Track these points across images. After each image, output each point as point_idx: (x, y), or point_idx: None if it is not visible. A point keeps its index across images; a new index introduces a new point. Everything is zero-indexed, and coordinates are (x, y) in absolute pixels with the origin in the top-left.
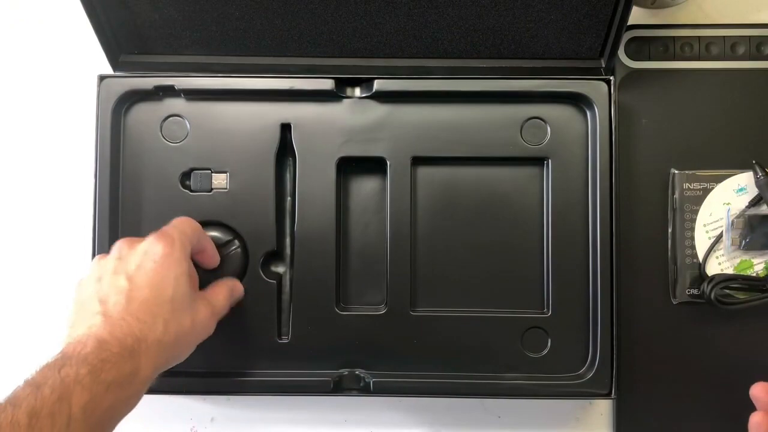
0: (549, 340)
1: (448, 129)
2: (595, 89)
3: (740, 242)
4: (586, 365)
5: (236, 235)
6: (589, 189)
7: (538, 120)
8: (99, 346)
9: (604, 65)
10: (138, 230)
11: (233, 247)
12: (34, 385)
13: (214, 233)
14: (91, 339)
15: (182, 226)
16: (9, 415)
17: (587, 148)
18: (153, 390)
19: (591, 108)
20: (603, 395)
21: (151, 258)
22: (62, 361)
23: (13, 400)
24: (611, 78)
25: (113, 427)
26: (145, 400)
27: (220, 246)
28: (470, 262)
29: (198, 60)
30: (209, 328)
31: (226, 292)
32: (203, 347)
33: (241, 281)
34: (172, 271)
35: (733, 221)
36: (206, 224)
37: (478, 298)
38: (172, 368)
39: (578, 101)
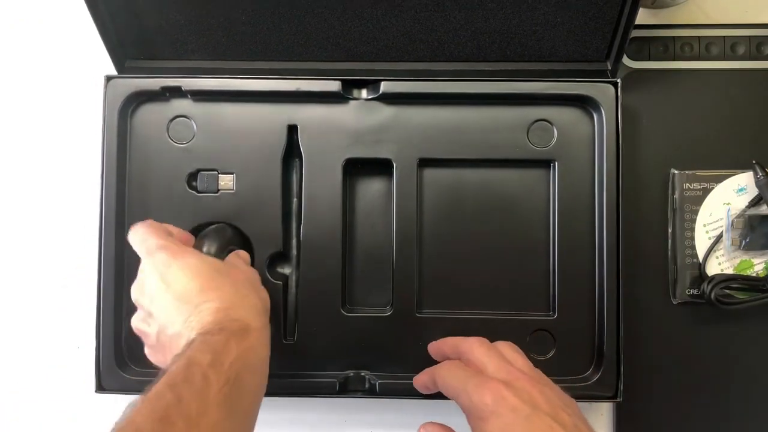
0: (555, 343)
1: (455, 131)
2: (601, 92)
3: (740, 242)
4: (592, 368)
5: (238, 237)
6: (596, 192)
7: (545, 122)
8: (200, 322)
9: (610, 68)
10: None
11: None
12: (163, 371)
13: (207, 244)
14: (188, 326)
15: (141, 232)
16: (152, 388)
17: (594, 150)
18: None
19: (598, 110)
20: (609, 398)
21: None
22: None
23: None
24: (618, 80)
25: (256, 376)
26: None
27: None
28: (476, 264)
29: (204, 65)
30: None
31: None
32: None
33: None
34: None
35: (733, 221)
36: (202, 228)
37: (484, 300)
38: None
39: (585, 104)
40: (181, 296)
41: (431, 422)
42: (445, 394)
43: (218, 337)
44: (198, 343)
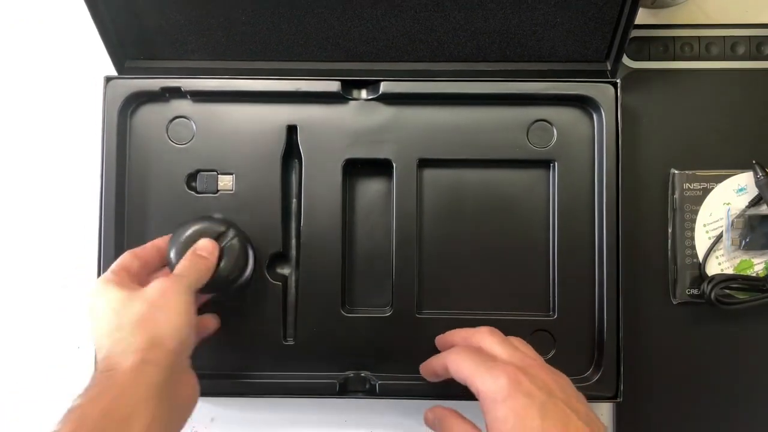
0: (555, 343)
1: (455, 131)
2: (601, 92)
3: (740, 242)
4: (592, 368)
5: (232, 225)
6: (596, 192)
7: (545, 123)
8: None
9: (609, 68)
10: (144, 231)
11: (229, 238)
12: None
13: (205, 224)
14: None
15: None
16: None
17: (594, 150)
18: None
19: (597, 111)
20: (609, 398)
21: None
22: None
23: None
24: (618, 81)
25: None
26: None
27: (215, 238)
28: (476, 265)
29: (204, 65)
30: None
31: (184, 259)
32: (208, 349)
33: (243, 274)
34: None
35: (733, 221)
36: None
37: (484, 300)
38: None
39: (585, 104)
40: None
41: (438, 406)
42: (456, 378)
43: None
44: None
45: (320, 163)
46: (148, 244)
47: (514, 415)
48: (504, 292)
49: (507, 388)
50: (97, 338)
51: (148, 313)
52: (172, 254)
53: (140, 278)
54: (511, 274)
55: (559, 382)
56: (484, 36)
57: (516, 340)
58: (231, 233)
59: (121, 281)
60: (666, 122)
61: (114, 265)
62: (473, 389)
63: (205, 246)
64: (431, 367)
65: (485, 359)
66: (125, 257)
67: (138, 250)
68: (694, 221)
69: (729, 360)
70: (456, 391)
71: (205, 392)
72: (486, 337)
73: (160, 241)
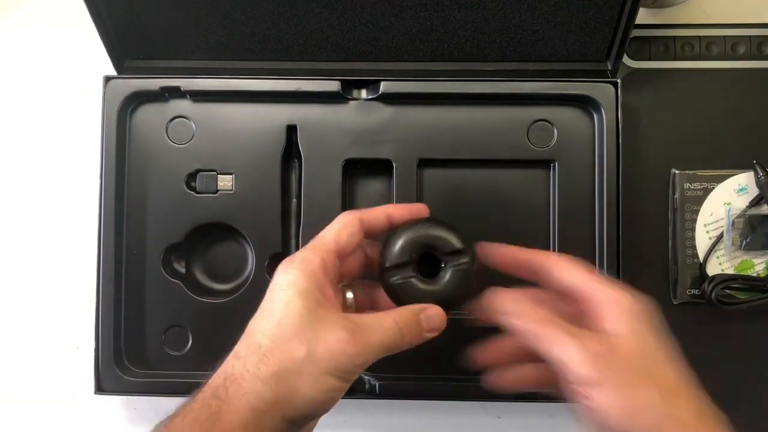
0: None
1: (455, 131)
2: (602, 92)
3: (741, 242)
4: None
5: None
6: (596, 192)
7: (545, 122)
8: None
9: (610, 68)
10: (143, 231)
11: (461, 261)
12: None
13: (440, 233)
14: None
15: (326, 235)
16: None
17: (594, 150)
18: (155, 392)
19: (598, 111)
20: None
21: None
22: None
23: None
24: (618, 80)
25: None
26: (145, 402)
27: (444, 255)
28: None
29: (203, 65)
30: (346, 358)
31: (401, 318)
32: (207, 350)
33: (453, 305)
34: (282, 294)
35: (733, 221)
36: (430, 222)
37: None
38: (174, 371)
39: (585, 104)
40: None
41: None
42: (558, 283)
43: (196, 406)
44: (188, 405)
45: (320, 163)
46: (379, 213)
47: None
48: None
49: (650, 309)
50: (236, 352)
51: (300, 368)
52: (394, 254)
53: (348, 250)
54: (512, 274)
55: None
56: (484, 36)
57: None
58: (465, 258)
59: (319, 288)
60: (666, 122)
61: (325, 247)
62: (585, 293)
63: (435, 323)
64: (515, 260)
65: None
66: (345, 233)
67: (365, 215)
68: (694, 221)
69: (729, 360)
70: (460, 391)
71: None
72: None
73: (396, 210)
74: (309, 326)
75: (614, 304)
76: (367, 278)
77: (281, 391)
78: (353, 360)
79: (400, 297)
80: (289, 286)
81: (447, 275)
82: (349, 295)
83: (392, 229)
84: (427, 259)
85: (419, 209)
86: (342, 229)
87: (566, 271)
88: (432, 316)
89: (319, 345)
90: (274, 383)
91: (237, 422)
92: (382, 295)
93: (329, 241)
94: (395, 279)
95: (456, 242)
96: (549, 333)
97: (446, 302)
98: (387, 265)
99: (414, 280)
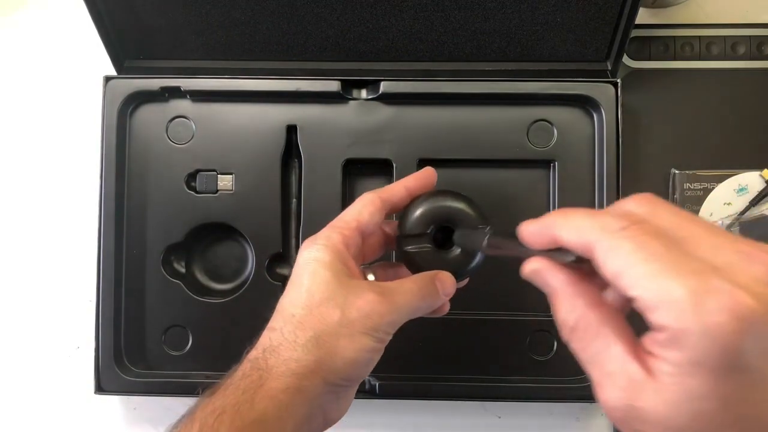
0: (555, 344)
1: (455, 131)
2: (602, 92)
3: None
4: None
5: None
6: (596, 192)
7: (545, 122)
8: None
9: (610, 68)
10: (143, 231)
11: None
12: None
13: (457, 207)
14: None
15: (347, 215)
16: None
17: (594, 150)
18: (155, 392)
19: (598, 110)
20: None
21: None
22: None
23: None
24: (618, 80)
25: None
26: (145, 402)
27: (459, 228)
28: None
29: (203, 65)
30: (379, 317)
31: (419, 282)
32: (207, 349)
33: (459, 274)
34: (308, 267)
35: (730, 231)
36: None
37: (485, 300)
38: (174, 371)
39: (585, 104)
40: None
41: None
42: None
43: (226, 392)
44: (229, 378)
45: (320, 162)
46: (399, 188)
47: (723, 399)
48: (504, 293)
49: (731, 333)
50: (276, 323)
51: (336, 330)
52: (411, 224)
53: (370, 227)
54: (512, 274)
55: None
56: (484, 36)
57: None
58: (486, 232)
59: (343, 261)
60: (666, 122)
61: (348, 226)
62: (631, 290)
63: (447, 287)
64: (550, 230)
65: (677, 258)
66: (367, 211)
67: (384, 193)
68: None
69: None
70: (459, 392)
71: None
72: (649, 211)
73: (412, 182)
74: (339, 291)
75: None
76: (388, 258)
77: (320, 354)
78: (384, 318)
79: (415, 265)
80: (314, 260)
81: (459, 249)
82: (371, 276)
83: (413, 200)
84: (444, 230)
85: (427, 174)
86: (363, 207)
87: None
88: (444, 279)
89: (351, 307)
90: (312, 347)
91: (279, 388)
92: (401, 275)
93: (350, 219)
94: (411, 247)
95: (470, 218)
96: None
97: (457, 273)
98: (404, 233)
99: (428, 250)
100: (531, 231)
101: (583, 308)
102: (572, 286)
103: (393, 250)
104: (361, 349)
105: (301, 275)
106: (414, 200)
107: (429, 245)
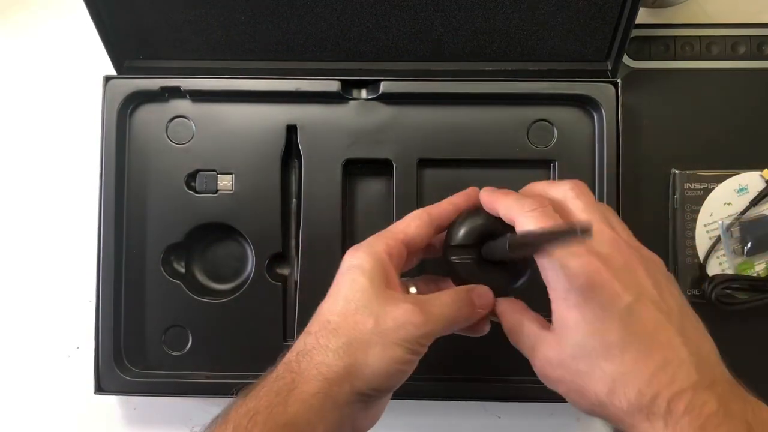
0: None
1: (455, 131)
2: (602, 92)
3: (742, 249)
4: None
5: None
6: (596, 192)
7: (545, 122)
8: (292, 348)
9: (610, 67)
10: (143, 232)
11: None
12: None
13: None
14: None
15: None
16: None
17: (594, 150)
18: (155, 392)
19: (598, 110)
20: None
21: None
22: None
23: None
24: (618, 80)
25: None
26: (145, 402)
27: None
28: None
29: (203, 65)
30: (413, 327)
31: (454, 295)
32: (208, 349)
33: (504, 289)
34: (348, 275)
35: (730, 231)
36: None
37: None
38: (174, 371)
39: (585, 104)
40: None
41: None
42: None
43: (270, 380)
44: (263, 380)
45: (320, 163)
46: (447, 205)
47: (585, 321)
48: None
49: (583, 290)
50: (312, 328)
51: (369, 338)
52: (459, 235)
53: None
54: None
55: (652, 273)
56: (484, 36)
57: (608, 210)
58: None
59: (383, 271)
60: (666, 122)
61: (393, 238)
62: (539, 265)
63: (485, 300)
64: (496, 207)
65: None
66: (412, 229)
67: (433, 209)
68: (694, 221)
69: (730, 360)
70: (460, 391)
71: (205, 393)
72: (570, 197)
73: (460, 199)
74: (375, 300)
75: (552, 287)
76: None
77: (351, 361)
78: (420, 329)
79: (457, 276)
80: (355, 267)
81: (506, 264)
82: (413, 289)
83: (463, 211)
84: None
85: (473, 192)
86: (411, 220)
87: (520, 226)
88: (482, 294)
89: (387, 316)
90: (343, 353)
91: (310, 391)
92: (443, 289)
93: (398, 231)
94: (455, 258)
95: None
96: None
97: (497, 288)
98: (451, 243)
99: (471, 262)
100: (484, 199)
101: (514, 316)
102: (510, 308)
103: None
104: (392, 359)
105: (340, 283)
106: (463, 213)
107: (472, 257)
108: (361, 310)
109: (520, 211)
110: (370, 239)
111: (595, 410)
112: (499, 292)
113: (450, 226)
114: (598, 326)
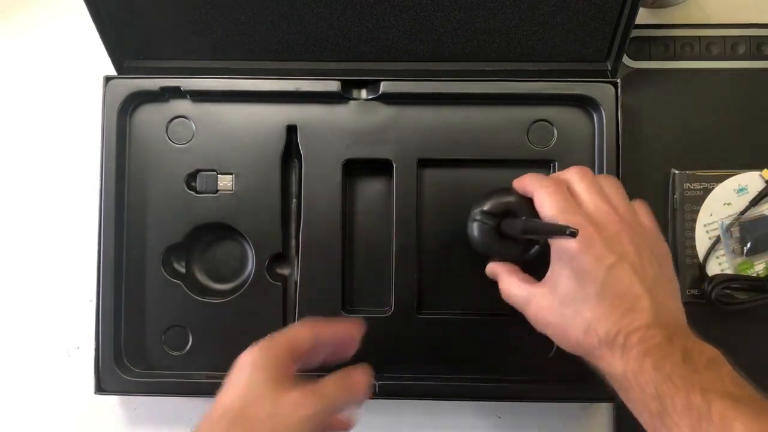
0: (555, 344)
1: (455, 131)
2: (602, 92)
3: (742, 250)
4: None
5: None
6: None
7: (545, 122)
8: None
9: (610, 68)
10: (143, 231)
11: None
12: None
13: (526, 209)
14: None
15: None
16: None
17: (594, 150)
18: (155, 392)
19: (598, 111)
20: (609, 398)
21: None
22: None
23: None
24: (618, 80)
25: None
26: (145, 402)
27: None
28: (477, 265)
29: (204, 65)
30: (311, 406)
31: (338, 374)
32: (208, 349)
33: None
34: (244, 369)
35: (730, 231)
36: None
37: (485, 300)
38: (174, 371)
39: (585, 104)
40: None
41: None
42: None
43: None
44: None
45: (320, 163)
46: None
47: (574, 277)
48: None
49: (576, 248)
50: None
51: (266, 423)
52: (486, 202)
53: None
54: None
55: (636, 242)
56: (484, 36)
57: (607, 182)
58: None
59: (271, 365)
60: (666, 122)
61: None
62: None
63: (361, 381)
64: (524, 185)
65: (567, 209)
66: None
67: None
68: (694, 221)
69: (730, 360)
70: (460, 391)
71: (205, 393)
72: (576, 181)
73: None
74: (272, 389)
75: (554, 247)
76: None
77: None
78: (313, 408)
79: (474, 238)
80: (250, 363)
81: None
82: None
83: (498, 188)
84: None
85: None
86: (297, 330)
87: (537, 200)
88: (353, 375)
89: (283, 401)
90: None
91: None
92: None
93: (288, 333)
94: (480, 218)
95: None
96: None
97: (508, 255)
98: (479, 208)
99: (489, 226)
100: (517, 186)
101: (510, 276)
102: (505, 269)
103: None
104: None
105: (236, 374)
106: (498, 188)
107: (492, 224)
108: (259, 399)
109: (539, 185)
110: (266, 338)
111: (576, 349)
112: (509, 259)
113: (488, 194)
114: (583, 280)
